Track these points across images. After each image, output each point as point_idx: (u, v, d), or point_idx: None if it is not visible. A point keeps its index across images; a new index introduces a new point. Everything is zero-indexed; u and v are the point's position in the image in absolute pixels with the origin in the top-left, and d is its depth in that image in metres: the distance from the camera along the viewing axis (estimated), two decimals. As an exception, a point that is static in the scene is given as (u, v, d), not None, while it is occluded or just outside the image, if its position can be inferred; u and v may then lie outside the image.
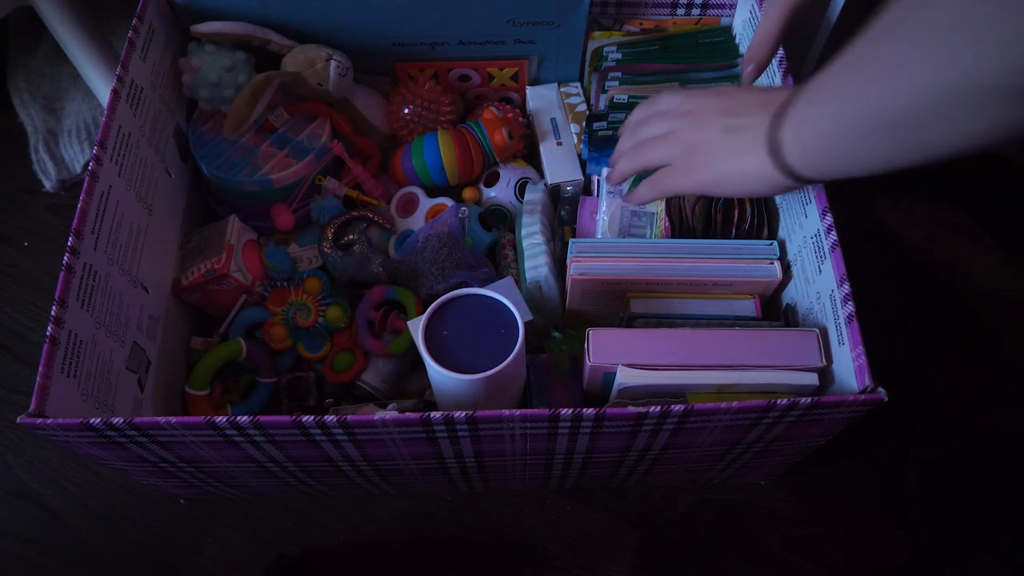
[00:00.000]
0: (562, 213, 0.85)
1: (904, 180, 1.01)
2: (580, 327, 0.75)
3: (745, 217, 0.75)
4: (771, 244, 0.71)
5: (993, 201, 1.01)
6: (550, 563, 0.82)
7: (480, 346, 0.62)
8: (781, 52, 0.72)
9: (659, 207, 0.77)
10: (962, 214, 0.96)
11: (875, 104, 0.40)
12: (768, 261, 0.70)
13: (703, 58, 0.84)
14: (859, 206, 0.97)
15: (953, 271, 0.93)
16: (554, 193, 0.87)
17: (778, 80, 0.72)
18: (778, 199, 0.75)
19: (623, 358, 0.62)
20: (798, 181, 0.51)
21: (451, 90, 0.91)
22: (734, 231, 0.75)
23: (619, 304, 0.73)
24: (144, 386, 0.72)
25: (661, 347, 0.63)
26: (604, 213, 0.78)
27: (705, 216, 0.75)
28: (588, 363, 0.63)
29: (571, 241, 0.72)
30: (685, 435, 0.61)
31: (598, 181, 0.83)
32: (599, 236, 0.78)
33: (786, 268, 0.72)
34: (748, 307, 0.71)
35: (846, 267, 0.61)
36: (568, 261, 0.71)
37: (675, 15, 0.87)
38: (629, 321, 0.69)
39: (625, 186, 0.77)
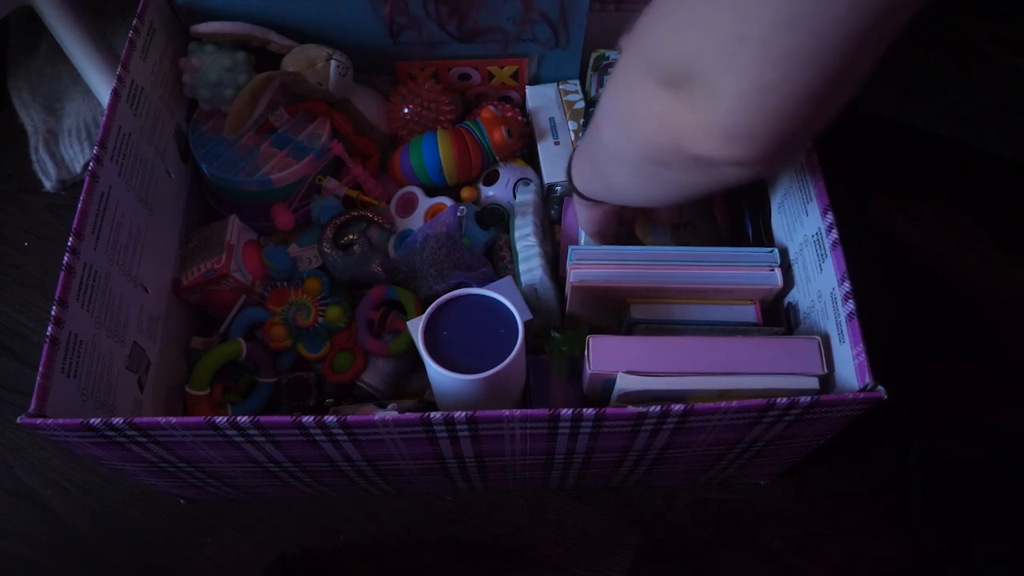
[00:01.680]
0: (552, 212, 0.85)
1: (903, 179, 1.01)
2: (580, 328, 0.75)
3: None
4: (772, 251, 0.71)
5: (992, 200, 1.01)
6: (550, 563, 0.82)
7: (480, 346, 0.62)
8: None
9: None
10: (960, 213, 0.96)
11: (590, 153, 0.60)
12: (769, 268, 0.70)
13: None
14: (858, 205, 0.97)
15: (950, 269, 0.93)
16: (548, 193, 0.87)
17: None
18: (778, 199, 0.75)
19: (623, 366, 0.62)
20: (586, 199, 0.67)
21: (451, 89, 0.91)
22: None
23: (619, 309, 0.72)
24: (144, 386, 0.72)
25: (661, 355, 0.63)
26: None
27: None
28: (588, 370, 0.63)
29: (570, 248, 0.72)
30: (685, 435, 0.61)
31: None
32: (581, 237, 0.78)
33: (787, 269, 0.72)
34: (749, 313, 0.71)
35: (846, 266, 0.61)
36: (568, 268, 0.71)
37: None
38: (629, 327, 0.69)
39: None
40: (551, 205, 0.85)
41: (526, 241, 0.78)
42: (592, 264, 0.71)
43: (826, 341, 0.63)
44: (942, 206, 0.96)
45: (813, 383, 0.62)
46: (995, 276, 0.90)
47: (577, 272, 0.70)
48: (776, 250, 0.71)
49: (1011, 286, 0.89)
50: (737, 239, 0.80)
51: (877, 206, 0.97)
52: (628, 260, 0.71)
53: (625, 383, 0.62)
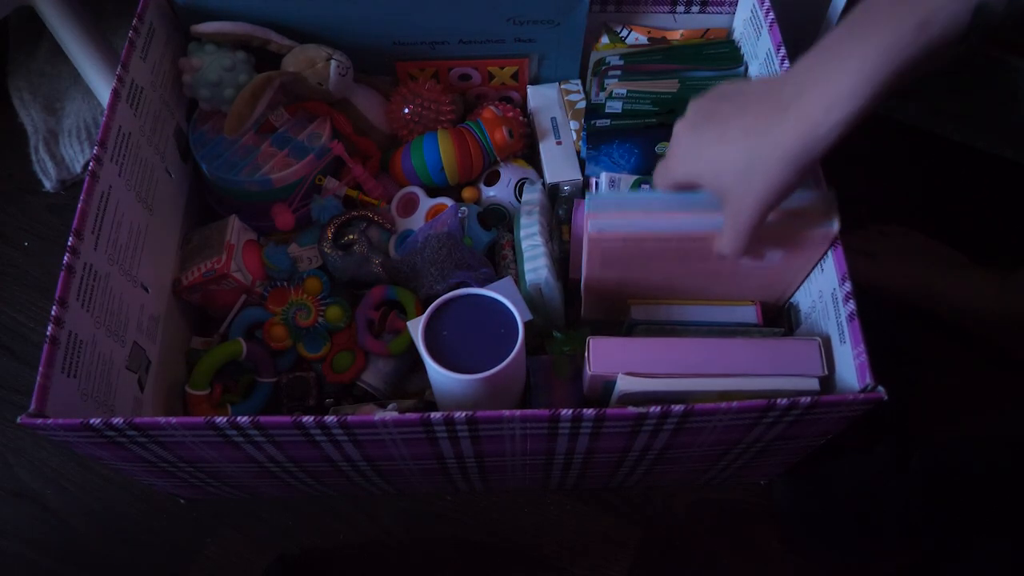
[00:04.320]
0: (559, 212, 0.85)
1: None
2: (581, 328, 0.75)
3: None
4: None
5: (992, 200, 1.01)
6: (550, 563, 0.82)
7: (480, 346, 0.62)
8: (783, 51, 0.72)
9: None
10: (911, 232, 0.94)
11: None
12: None
13: (705, 63, 0.84)
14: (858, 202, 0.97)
15: (936, 303, 0.91)
16: (553, 192, 0.87)
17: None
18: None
19: (623, 367, 0.62)
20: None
21: (451, 89, 0.91)
22: None
23: (620, 310, 0.72)
24: (144, 386, 0.72)
25: (661, 356, 0.63)
26: None
27: None
28: (588, 372, 0.63)
29: (587, 195, 0.68)
30: (685, 435, 0.61)
31: (595, 183, 0.82)
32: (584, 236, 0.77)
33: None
34: (749, 313, 0.70)
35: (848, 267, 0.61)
36: (584, 219, 0.64)
37: (675, 12, 0.87)
38: (630, 328, 0.69)
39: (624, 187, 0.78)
40: (559, 205, 0.85)
41: (532, 240, 0.78)
42: (612, 212, 0.62)
43: (827, 342, 0.63)
44: (888, 226, 0.94)
45: (813, 384, 0.62)
46: (983, 298, 0.89)
47: (595, 221, 0.62)
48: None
49: (997, 300, 0.88)
50: None
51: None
52: (652, 207, 0.62)
53: (625, 384, 0.62)
